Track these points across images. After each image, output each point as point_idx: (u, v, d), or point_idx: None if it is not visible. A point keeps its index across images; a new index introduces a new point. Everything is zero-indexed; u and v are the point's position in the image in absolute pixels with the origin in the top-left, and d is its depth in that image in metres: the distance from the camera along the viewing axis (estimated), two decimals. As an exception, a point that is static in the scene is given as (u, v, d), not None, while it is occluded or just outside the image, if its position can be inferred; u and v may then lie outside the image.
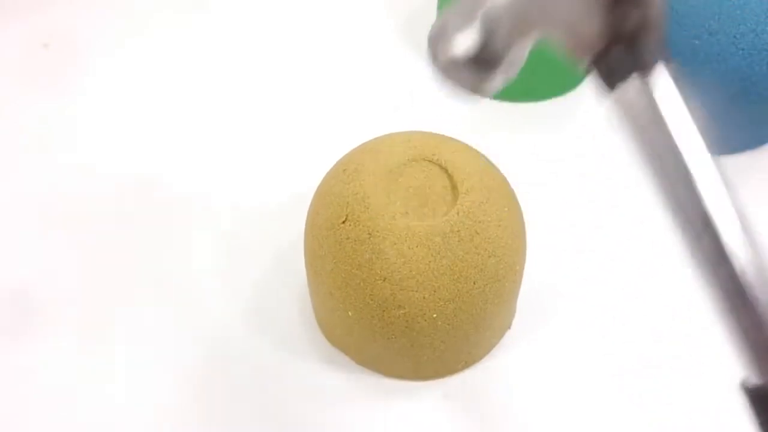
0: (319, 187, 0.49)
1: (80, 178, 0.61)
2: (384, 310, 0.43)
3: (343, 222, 0.44)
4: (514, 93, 0.65)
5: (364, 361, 0.50)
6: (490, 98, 0.32)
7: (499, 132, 0.62)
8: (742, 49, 0.53)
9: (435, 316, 0.43)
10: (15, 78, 0.69)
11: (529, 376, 0.50)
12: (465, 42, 0.29)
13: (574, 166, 0.61)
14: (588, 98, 0.67)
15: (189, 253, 0.56)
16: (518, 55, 0.30)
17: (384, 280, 0.43)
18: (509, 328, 0.51)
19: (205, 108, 0.66)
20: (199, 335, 0.51)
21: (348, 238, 0.44)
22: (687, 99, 0.27)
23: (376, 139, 0.49)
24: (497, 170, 0.49)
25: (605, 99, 0.27)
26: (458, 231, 0.43)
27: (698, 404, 0.48)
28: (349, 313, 0.45)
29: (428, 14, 0.71)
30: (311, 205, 0.48)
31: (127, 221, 0.58)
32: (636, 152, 0.28)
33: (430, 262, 0.42)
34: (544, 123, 0.65)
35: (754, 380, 0.25)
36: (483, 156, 0.50)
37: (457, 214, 0.43)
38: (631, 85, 0.27)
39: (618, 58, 0.27)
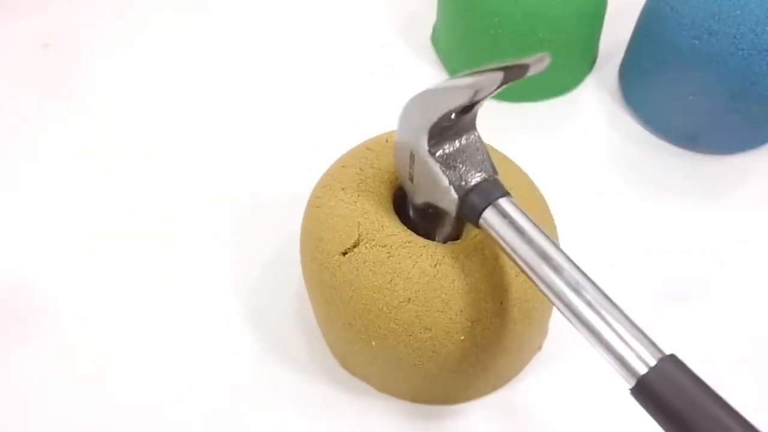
0: (310, 211, 0.45)
1: (80, 178, 0.61)
2: (410, 335, 0.41)
3: (356, 245, 0.42)
4: (514, 93, 0.65)
5: (387, 389, 0.47)
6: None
7: (498, 132, 0.62)
8: (742, 49, 0.53)
9: (462, 338, 0.41)
10: (15, 78, 0.69)
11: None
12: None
13: (575, 166, 0.61)
14: (588, 98, 0.67)
15: (187, 252, 0.56)
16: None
17: (408, 302, 0.40)
18: (539, 349, 0.50)
19: (204, 108, 0.66)
20: (198, 336, 0.51)
21: (365, 262, 0.41)
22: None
23: (371, 140, 0.48)
24: (526, 176, 0.47)
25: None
26: (482, 249, 0.41)
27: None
28: (373, 343, 0.42)
29: (428, 14, 0.71)
30: (306, 233, 0.45)
31: (126, 221, 0.58)
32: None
33: (454, 280, 0.40)
34: (544, 123, 0.65)
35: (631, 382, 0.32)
36: (510, 160, 0.48)
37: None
38: (486, 216, 0.38)
39: (472, 203, 0.38)
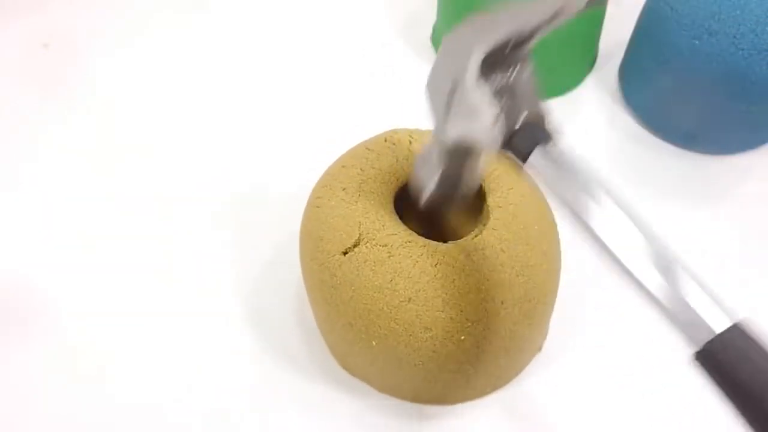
0: (311, 211, 0.45)
1: (80, 178, 0.61)
2: (410, 335, 0.41)
3: (356, 245, 0.42)
4: (514, 93, 0.65)
5: (387, 389, 0.47)
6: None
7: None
8: (742, 49, 0.53)
9: (463, 338, 0.41)
10: (15, 78, 0.69)
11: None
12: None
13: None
14: (588, 98, 0.66)
15: (187, 253, 0.56)
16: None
17: (409, 301, 0.40)
18: (540, 350, 0.50)
19: (204, 108, 0.66)
20: (197, 336, 0.51)
21: (366, 261, 0.41)
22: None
23: (370, 140, 0.48)
24: (527, 177, 0.48)
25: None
26: (483, 248, 0.41)
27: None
28: (373, 343, 0.42)
29: (428, 14, 0.71)
30: (306, 233, 0.45)
31: (126, 221, 0.58)
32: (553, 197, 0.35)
33: (454, 279, 0.40)
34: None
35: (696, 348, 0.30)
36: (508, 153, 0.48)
37: (481, 229, 0.42)
38: (535, 156, 0.35)
39: (520, 141, 0.35)
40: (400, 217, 0.44)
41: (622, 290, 0.54)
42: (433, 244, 0.42)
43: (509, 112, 0.35)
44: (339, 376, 0.49)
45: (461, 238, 0.43)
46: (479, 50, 0.34)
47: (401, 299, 0.40)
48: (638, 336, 0.51)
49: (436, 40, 0.70)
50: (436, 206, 0.42)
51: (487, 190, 0.45)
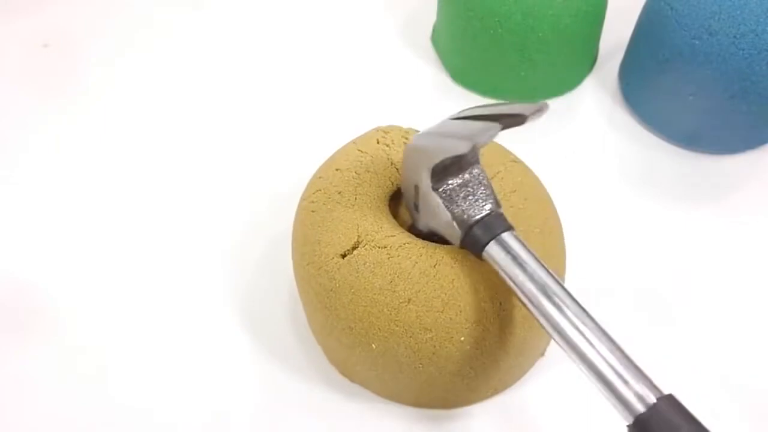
0: (305, 216, 0.45)
1: (79, 178, 0.61)
2: (410, 336, 0.41)
3: (355, 247, 0.42)
4: (514, 93, 0.65)
5: (387, 394, 0.47)
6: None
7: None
8: (742, 49, 0.53)
9: (462, 339, 0.41)
10: (15, 78, 0.69)
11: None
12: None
13: (574, 165, 0.61)
14: (588, 98, 0.67)
15: (187, 252, 0.56)
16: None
17: (409, 302, 0.40)
18: (542, 355, 0.49)
19: (204, 108, 0.66)
20: (197, 336, 0.51)
21: (365, 263, 0.41)
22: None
23: (360, 140, 0.47)
24: (530, 173, 0.47)
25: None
26: None
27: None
28: (373, 346, 0.42)
29: (428, 14, 0.71)
30: (302, 237, 0.45)
31: (125, 221, 0.58)
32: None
33: (453, 280, 0.40)
34: (544, 123, 0.65)
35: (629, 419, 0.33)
36: (512, 155, 0.47)
37: None
38: (490, 250, 0.38)
39: (478, 233, 0.39)
40: (395, 219, 0.44)
41: (621, 287, 0.54)
42: (432, 245, 0.42)
43: (467, 208, 0.39)
44: (338, 380, 0.49)
45: None
46: (427, 166, 0.39)
47: (401, 300, 0.40)
48: (640, 339, 0.51)
49: (436, 40, 0.70)
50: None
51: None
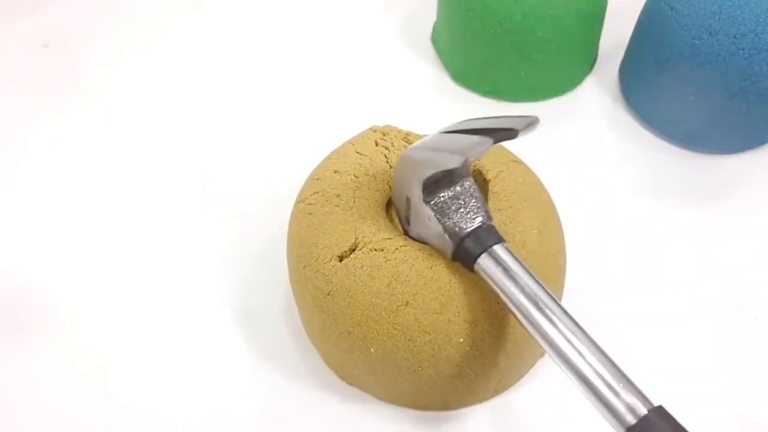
0: (302, 218, 0.45)
1: (79, 178, 0.61)
2: (409, 339, 0.40)
3: (353, 250, 0.42)
4: (515, 93, 0.65)
5: (386, 397, 0.47)
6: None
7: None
8: (742, 49, 0.53)
9: (461, 341, 0.41)
10: (15, 78, 0.69)
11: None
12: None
13: (575, 165, 0.61)
14: (588, 98, 0.66)
15: (187, 253, 0.56)
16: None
17: (407, 305, 0.40)
18: (542, 356, 0.49)
19: (204, 107, 0.66)
20: (197, 337, 0.51)
21: (363, 266, 0.41)
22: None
23: (357, 141, 0.47)
24: (530, 173, 0.47)
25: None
26: None
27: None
28: (372, 350, 0.41)
29: (428, 14, 0.71)
30: (298, 240, 0.44)
31: (125, 221, 0.58)
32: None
33: (450, 281, 0.40)
34: (544, 123, 0.64)
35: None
36: (512, 155, 0.47)
37: None
38: (481, 263, 0.38)
39: (470, 245, 0.39)
40: (392, 223, 0.44)
41: (621, 288, 0.54)
42: (428, 247, 0.42)
43: (459, 220, 0.39)
44: (336, 383, 0.49)
45: None
46: (419, 179, 0.39)
47: (399, 303, 0.40)
48: (641, 340, 0.51)
49: (436, 40, 0.70)
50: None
51: (488, 191, 0.45)
